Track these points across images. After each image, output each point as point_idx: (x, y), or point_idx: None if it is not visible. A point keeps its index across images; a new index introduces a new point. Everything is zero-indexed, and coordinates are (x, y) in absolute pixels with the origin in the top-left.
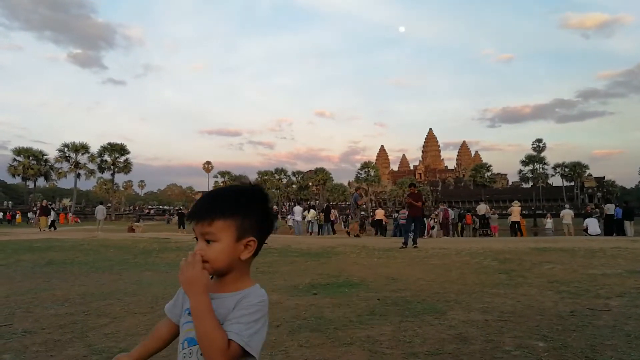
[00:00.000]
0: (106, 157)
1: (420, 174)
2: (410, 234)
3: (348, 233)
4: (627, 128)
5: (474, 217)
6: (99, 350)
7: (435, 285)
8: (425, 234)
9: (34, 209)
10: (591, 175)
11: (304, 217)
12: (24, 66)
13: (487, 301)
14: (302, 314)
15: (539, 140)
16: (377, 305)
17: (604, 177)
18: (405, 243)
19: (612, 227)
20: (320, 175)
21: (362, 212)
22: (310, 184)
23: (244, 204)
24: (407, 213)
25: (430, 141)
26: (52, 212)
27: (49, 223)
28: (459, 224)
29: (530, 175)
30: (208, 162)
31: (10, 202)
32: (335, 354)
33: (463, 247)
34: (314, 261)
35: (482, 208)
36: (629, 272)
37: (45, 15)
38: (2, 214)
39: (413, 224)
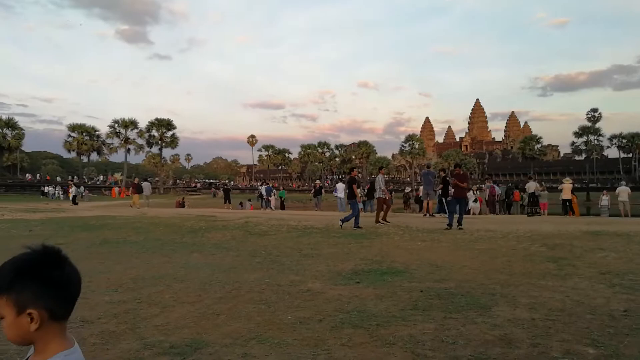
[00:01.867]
0: (154, 132)
1: (466, 145)
2: (455, 215)
3: (427, 214)
4: None
5: (522, 194)
6: (150, 344)
7: (480, 275)
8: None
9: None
10: None
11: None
12: (75, 43)
13: (534, 295)
14: (344, 306)
15: (594, 110)
16: (420, 297)
17: None
18: (450, 224)
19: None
20: (364, 149)
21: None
22: (353, 157)
23: (15, 278)
24: (452, 192)
25: (477, 112)
26: (74, 188)
27: (141, 200)
28: (506, 201)
29: (584, 148)
30: (252, 136)
31: (75, 177)
32: (377, 354)
33: (510, 230)
34: (357, 243)
35: (532, 186)
36: None
37: None
38: (51, 188)
39: (458, 205)
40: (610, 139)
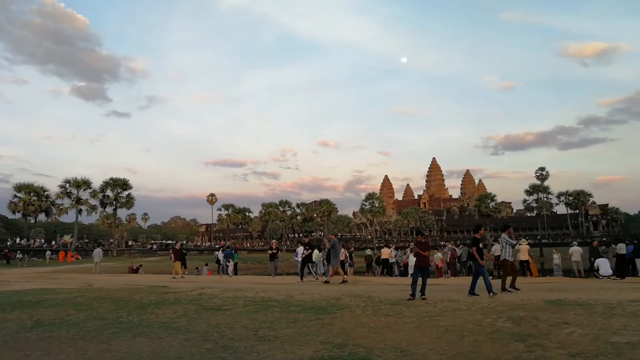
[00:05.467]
0: (108, 193)
1: (424, 203)
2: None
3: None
4: (629, 154)
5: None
6: None
7: None
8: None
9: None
10: (595, 203)
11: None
12: (28, 100)
13: None
14: None
15: (542, 169)
16: None
17: (607, 204)
18: (413, 295)
19: (624, 267)
20: (325, 207)
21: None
22: (314, 215)
23: None
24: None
25: (434, 170)
26: None
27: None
28: (468, 262)
29: (535, 205)
30: (212, 195)
31: (42, 240)
32: None
33: (474, 299)
34: (317, 320)
35: (497, 248)
36: None
37: (50, 49)
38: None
39: (421, 275)
40: (558, 196)
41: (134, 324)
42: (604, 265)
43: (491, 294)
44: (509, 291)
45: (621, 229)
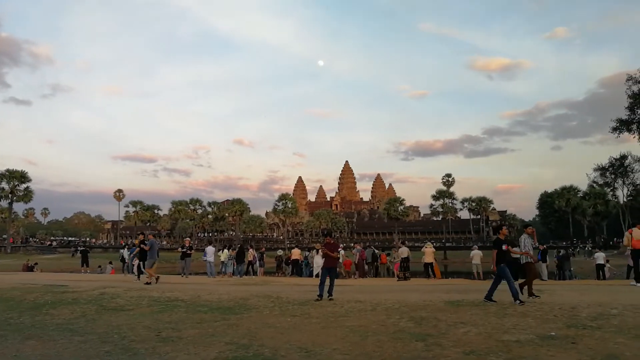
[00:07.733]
0: (3, 185)
1: (336, 205)
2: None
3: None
4: (526, 164)
5: (388, 257)
6: None
7: None
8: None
9: None
10: (495, 209)
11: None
12: None
13: None
14: None
15: (448, 175)
16: None
17: (506, 210)
18: (321, 295)
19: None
20: (237, 206)
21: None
22: (226, 214)
23: None
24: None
25: (347, 173)
26: None
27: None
28: (375, 264)
29: (441, 210)
30: (119, 190)
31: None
32: None
33: (379, 300)
34: (223, 321)
35: (405, 251)
36: (540, 338)
37: None
38: None
39: (328, 275)
40: (462, 202)
41: (25, 326)
42: None
43: (517, 301)
44: (536, 296)
45: (517, 234)
